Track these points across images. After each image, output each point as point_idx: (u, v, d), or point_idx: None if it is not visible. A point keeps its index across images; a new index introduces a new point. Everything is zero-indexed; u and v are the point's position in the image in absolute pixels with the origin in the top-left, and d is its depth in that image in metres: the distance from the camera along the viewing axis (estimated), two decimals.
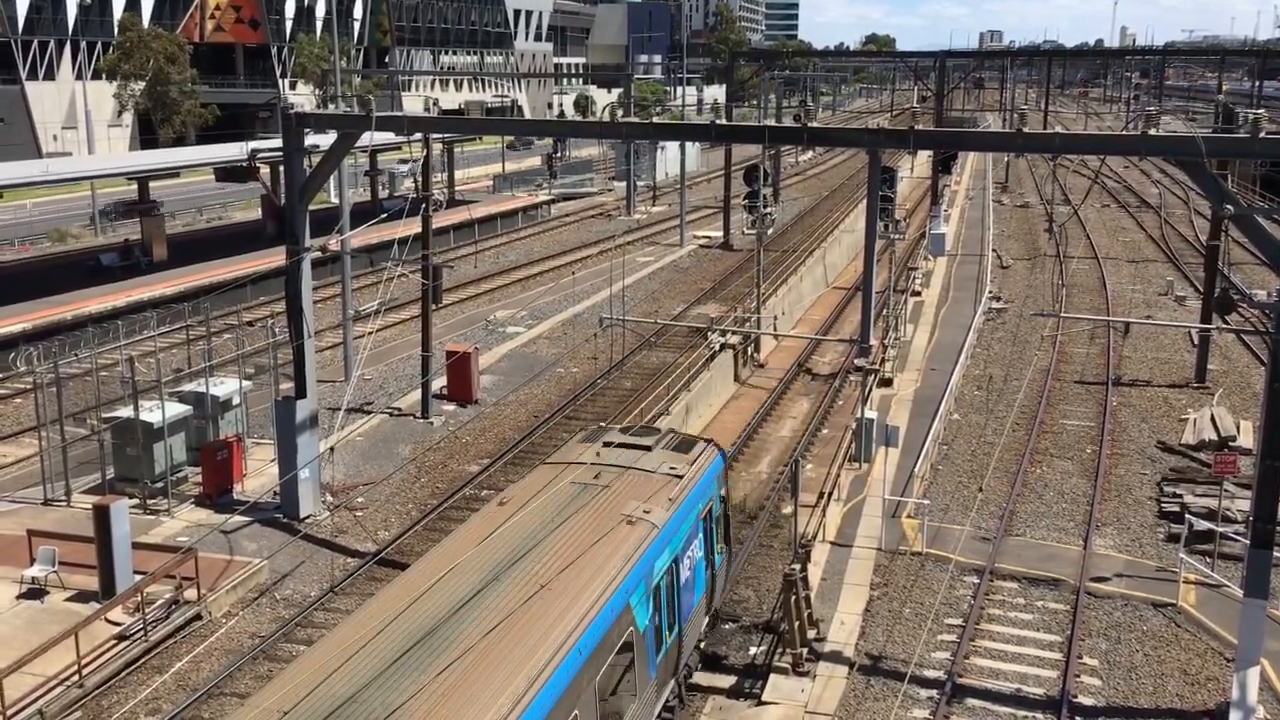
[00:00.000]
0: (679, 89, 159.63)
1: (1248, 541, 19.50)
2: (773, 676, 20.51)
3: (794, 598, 20.58)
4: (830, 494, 28.86)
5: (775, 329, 45.75)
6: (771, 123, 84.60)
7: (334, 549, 25.78)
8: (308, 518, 27.10)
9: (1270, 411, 18.67)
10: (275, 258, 37.86)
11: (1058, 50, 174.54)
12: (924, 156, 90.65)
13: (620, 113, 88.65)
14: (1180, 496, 28.11)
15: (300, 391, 27.07)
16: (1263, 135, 19.12)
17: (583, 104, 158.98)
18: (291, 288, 26.74)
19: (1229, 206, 19.43)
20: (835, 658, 21.19)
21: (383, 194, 72.89)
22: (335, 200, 51.57)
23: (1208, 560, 24.71)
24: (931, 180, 70.62)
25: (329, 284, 47.74)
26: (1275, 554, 19.42)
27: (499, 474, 30.26)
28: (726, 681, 20.88)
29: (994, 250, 62.44)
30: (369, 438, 32.79)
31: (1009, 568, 24.91)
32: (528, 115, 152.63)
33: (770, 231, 46.85)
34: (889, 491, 28.05)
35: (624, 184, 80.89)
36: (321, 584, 24.17)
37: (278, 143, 27.58)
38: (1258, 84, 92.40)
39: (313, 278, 27.88)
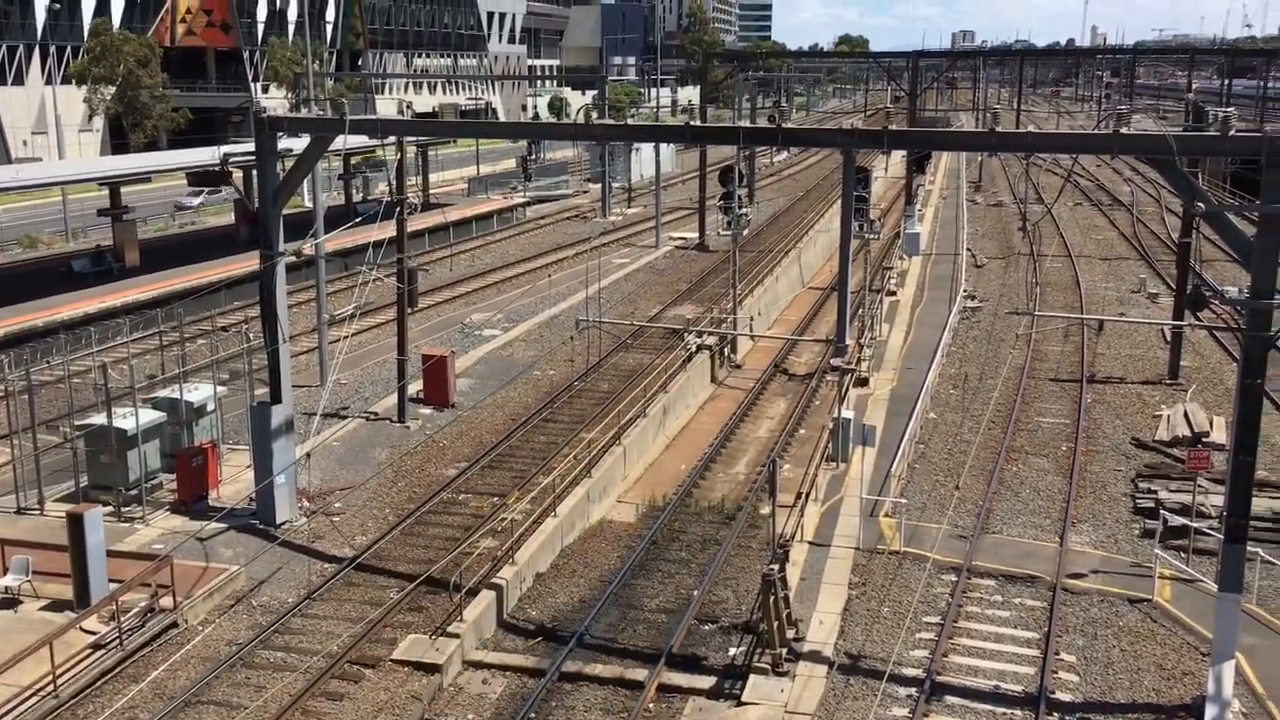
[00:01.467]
0: (653, 90, 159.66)
1: (1222, 537, 19.65)
2: (752, 677, 20.53)
3: (772, 598, 20.60)
4: (808, 494, 28.91)
5: (751, 329, 45.81)
6: (746, 124, 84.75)
7: (311, 555, 25.63)
8: (284, 524, 26.94)
9: (1242, 407, 18.85)
10: (249, 262, 37.64)
11: (1029, 50, 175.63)
12: (898, 156, 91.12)
13: (595, 115, 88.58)
14: (1155, 492, 28.31)
15: (275, 397, 26.91)
16: (1233, 133, 19.29)
17: (557, 106, 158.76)
18: (266, 292, 26.58)
19: (1200, 204, 19.59)
20: (814, 657, 21.22)
21: (357, 197, 72.61)
22: (309, 204, 51.31)
23: (1182, 556, 24.89)
24: (906, 180, 70.93)
25: (304, 288, 47.50)
26: (1249, 549, 19.61)
27: (476, 477, 30.18)
28: (706, 682, 20.89)
29: (968, 249, 62.74)
30: (345, 443, 32.63)
31: (986, 565, 25.03)
32: (502, 118, 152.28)
33: (746, 232, 46.93)
34: (866, 491, 28.12)
35: (599, 186, 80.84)
36: (299, 590, 24.03)
37: (250, 147, 27.40)
38: (1227, 82, 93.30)
39: (287, 282, 27.71)
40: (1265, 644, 21.48)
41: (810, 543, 26.19)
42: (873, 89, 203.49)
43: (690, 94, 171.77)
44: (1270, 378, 23.86)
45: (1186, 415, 33.75)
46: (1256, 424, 18.90)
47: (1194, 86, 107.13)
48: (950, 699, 20.05)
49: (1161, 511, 26.30)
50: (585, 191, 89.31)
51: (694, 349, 40.08)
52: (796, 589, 23.63)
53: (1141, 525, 27.01)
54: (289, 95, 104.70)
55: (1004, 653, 21.62)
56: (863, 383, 38.14)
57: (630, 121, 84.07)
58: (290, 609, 23.13)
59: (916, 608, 23.07)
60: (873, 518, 27.35)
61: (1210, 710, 18.76)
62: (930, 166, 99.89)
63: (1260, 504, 25.94)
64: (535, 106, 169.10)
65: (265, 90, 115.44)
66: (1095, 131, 27.67)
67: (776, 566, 20.96)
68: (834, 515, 27.66)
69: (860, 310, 44.35)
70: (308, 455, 29.19)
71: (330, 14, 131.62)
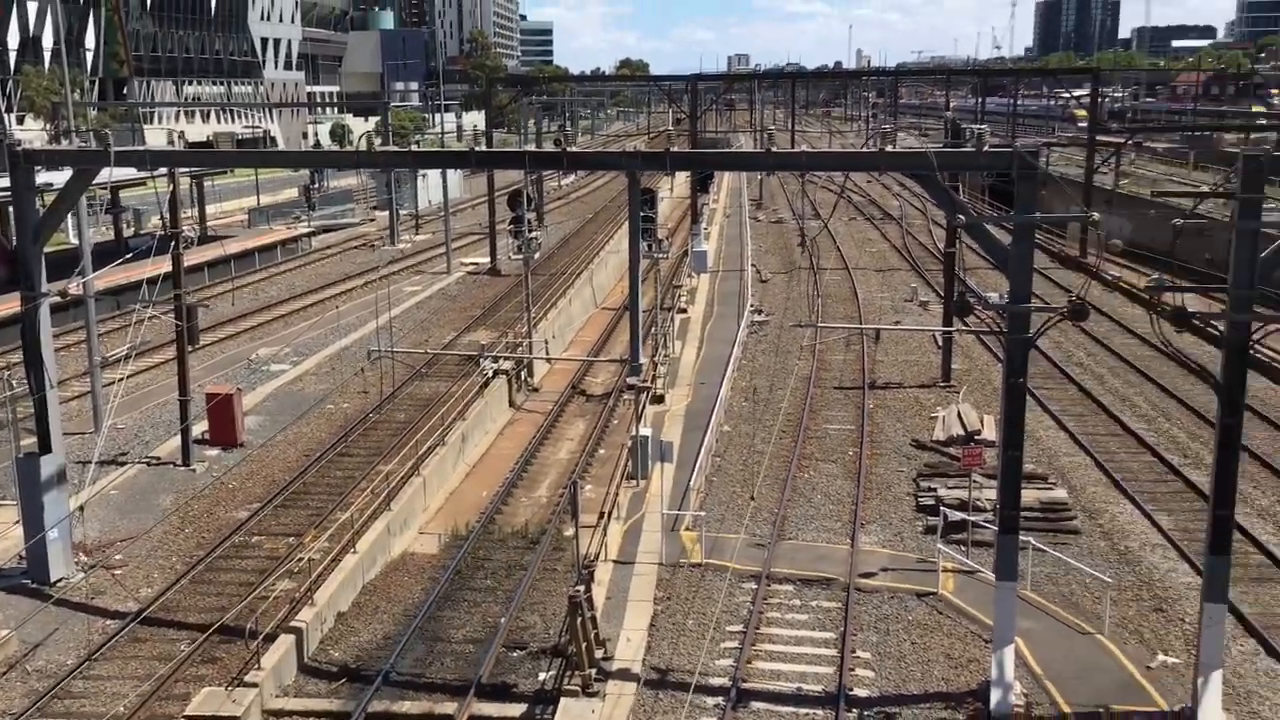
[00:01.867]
0: (437, 116, 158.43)
1: (996, 528, 20.88)
2: (563, 700, 20.51)
3: (579, 619, 20.67)
4: (610, 513, 29.15)
5: (547, 352, 45.93)
6: (532, 148, 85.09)
7: (91, 612, 24.15)
8: (59, 581, 25.29)
9: (1008, 406, 20.11)
10: (9, 305, 35.28)
11: (801, 72, 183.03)
12: (682, 177, 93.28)
13: (378, 141, 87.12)
14: (935, 490, 29.84)
15: (44, 446, 25.28)
16: (986, 149, 20.62)
17: (339, 133, 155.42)
18: (29, 336, 24.97)
19: (961, 216, 20.85)
20: (624, 675, 21.38)
21: (127, 232, 69.05)
22: (75, 240, 48.51)
23: (963, 549, 26.32)
24: (690, 200, 72.63)
25: (72, 330, 44.83)
26: (1021, 538, 20.90)
27: (270, 518, 29.12)
28: (517, 710, 20.75)
29: (753, 265, 64.72)
30: (125, 490, 30.92)
31: (784, 571, 25.80)
32: (281, 146, 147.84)
33: (537, 255, 47.06)
34: (667, 506, 28.59)
35: (386, 213, 79.52)
36: (79, 651, 22.59)
37: (5, 182, 25.76)
38: (981, 100, 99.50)
39: (54, 324, 26.11)
40: (1040, 627, 22.92)
41: (615, 561, 26.40)
42: (655, 111, 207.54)
43: (475, 118, 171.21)
44: (1031, 376, 25.57)
45: (960, 415, 35.73)
46: (1021, 421, 20.19)
47: (952, 105, 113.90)
48: (756, 704, 20.55)
49: (941, 508, 27.74)
50: (372, 219, 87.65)
51: (490, 374, 39.87)
52: (603, 608, 23.77)
53: (924, 522, 28.41)
54: (48, 126, 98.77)
55: (804, 655, 22.32)
56: (659, 400, 38.79)
57: (415, 148, 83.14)
58: (70, 672, 21.73)
59: (720, 617, 23.57)
60: (674, 532, 27.80)
61: (994, 693, 19.87)
62: (714, 186, 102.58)
63: (1029, 495, 27.74)
64: (316, 134, 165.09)
65: (20, 121, 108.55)
66: (863, 150, 29.10)
67: (582, 588, 21.04)
68: (636, 532, 27.98)
69: (653, 329, 45.14)
70: (82, 507, 27.50)
71: (90, 40, 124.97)
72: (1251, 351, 19.89)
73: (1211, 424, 29.49)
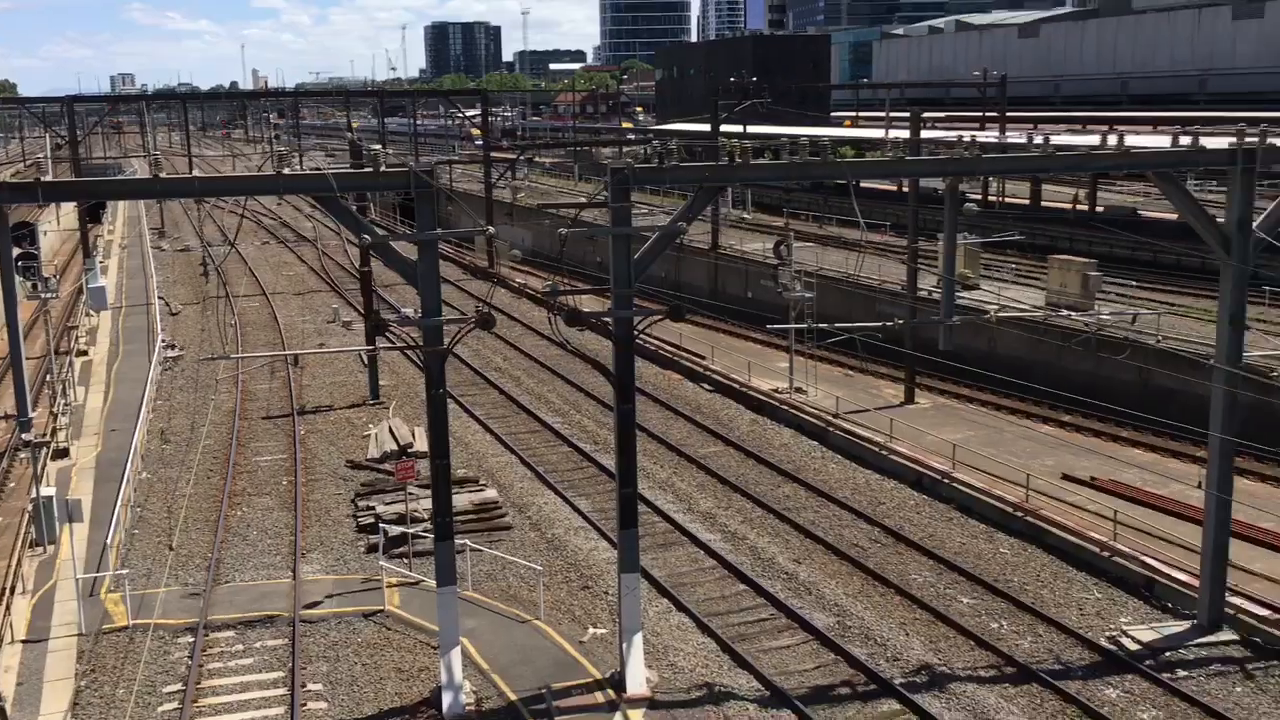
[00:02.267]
0: None
1: (434, 537, 21.38)
2: None
3: None
4: (13, 588, 25.89)
5: None
6: None
7: None
8: None
9: (433, 416, 20.68)
10: None
11: (194, 93, 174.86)
12: (70, 207, 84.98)
13: None
14: (373, 508, 29.92)
15: None
16: (384, 169, 20.95)
17: None
18: None
19: (366, 235, 21.06)
20: None
21: None
22: None
23: (405, 561, 26.66)
24: (81, 232, 66.68)
25: None
26: (458, 541, 21.58)
27: None
28: None
29: (161, 298, 60.81)
30: None
31: (223, 617, 24.52)
32: None
33: None
34: (82, 570, 25.97)
35: None
36: None
37: None
38: (381, 121, 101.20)
39: None
40: (483, 623, 23.85)
41: (24, 641, 23.51)
42: (29, 137, 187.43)
43: None
44: (455, 384, 26.50)
45: (391, 431, 36.18)
46: (445, 430, 20.85)
47: (355, 125, 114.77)
48: None
49: (381, 525, 27.90)
50: None
51: None
52: (14, 696, 21.10)
53: (366, 541, 28.41)
54: None
55: (253, 700, 21.37)
56: (62, 454, 35.17)
57: None
58: None
59: (154, 680, 21.88)
60: (94, 597, 25.36)
61: (446, 697, 20.38)
62: (107, 216, 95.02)
63: (462, 499, 28.82)
64: None
65: None
66: (262, 173, 28.39)
67: None
68: (48, 604, 25.15)
69: (48, 376, 40.78)
70: None
71: None
72: (639, 342, 22.16)
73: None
